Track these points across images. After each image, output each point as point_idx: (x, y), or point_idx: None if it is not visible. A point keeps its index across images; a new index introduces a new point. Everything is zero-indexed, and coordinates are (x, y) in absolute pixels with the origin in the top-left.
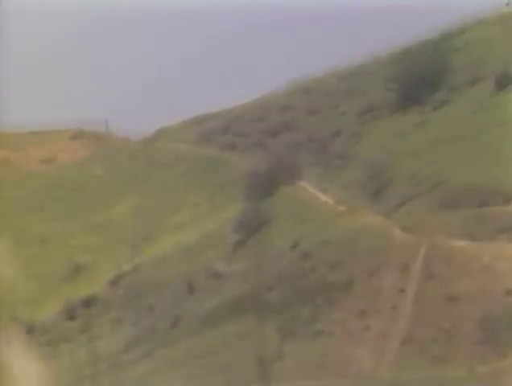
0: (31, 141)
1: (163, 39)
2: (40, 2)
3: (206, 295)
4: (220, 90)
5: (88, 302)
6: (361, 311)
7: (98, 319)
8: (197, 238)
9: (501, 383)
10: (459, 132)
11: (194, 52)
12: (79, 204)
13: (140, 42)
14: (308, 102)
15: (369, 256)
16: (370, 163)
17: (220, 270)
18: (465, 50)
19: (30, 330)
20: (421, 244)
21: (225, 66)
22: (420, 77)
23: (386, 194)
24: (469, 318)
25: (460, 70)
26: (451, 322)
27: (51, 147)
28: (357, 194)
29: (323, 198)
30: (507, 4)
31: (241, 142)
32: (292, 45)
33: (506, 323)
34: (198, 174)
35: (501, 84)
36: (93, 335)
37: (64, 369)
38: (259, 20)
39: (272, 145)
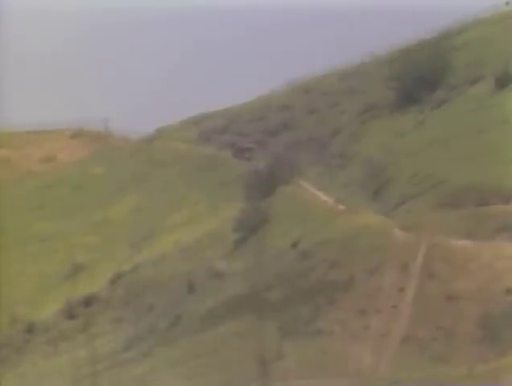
0: (31, 140)
1: (162, 38)
2: (40, 2)
3: (206, 294)
4: (219, 89)
5: (88, 301)
6: (361, 310)
7: (98, 318)
8: (197, 237)
9: (500, 381)
10: (458, 131)
11: (194, 52)
12: (79, 203)
13: (140, 42)
14: (308, 101)
15: (368, 255)
16: (370, 162)
17: (220, 269)
18: (465, 49)
19: (31, 329)
20: (421, 243)
21: (224, 65)
22: (420, 76)
23: (385, 193)
24: (469, 317)
25: (460, 69)
26: (451, 321)
27: (50, 146)
28: (356, 193)
29: (322, 197)
30: (507, 3)
31: (240, 142)
32: (291, 44)
33: (506, 322)
34: (198, 174)
35: (501, 83)
36: (93, 334)
37: (64, 368)
38: (258, 20)
39: (272, 145)
